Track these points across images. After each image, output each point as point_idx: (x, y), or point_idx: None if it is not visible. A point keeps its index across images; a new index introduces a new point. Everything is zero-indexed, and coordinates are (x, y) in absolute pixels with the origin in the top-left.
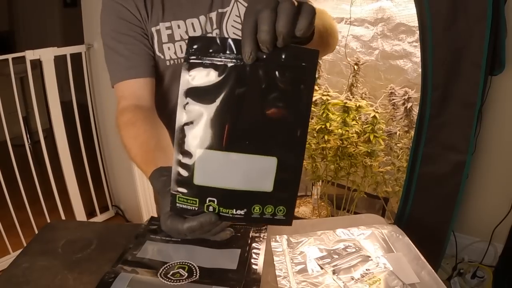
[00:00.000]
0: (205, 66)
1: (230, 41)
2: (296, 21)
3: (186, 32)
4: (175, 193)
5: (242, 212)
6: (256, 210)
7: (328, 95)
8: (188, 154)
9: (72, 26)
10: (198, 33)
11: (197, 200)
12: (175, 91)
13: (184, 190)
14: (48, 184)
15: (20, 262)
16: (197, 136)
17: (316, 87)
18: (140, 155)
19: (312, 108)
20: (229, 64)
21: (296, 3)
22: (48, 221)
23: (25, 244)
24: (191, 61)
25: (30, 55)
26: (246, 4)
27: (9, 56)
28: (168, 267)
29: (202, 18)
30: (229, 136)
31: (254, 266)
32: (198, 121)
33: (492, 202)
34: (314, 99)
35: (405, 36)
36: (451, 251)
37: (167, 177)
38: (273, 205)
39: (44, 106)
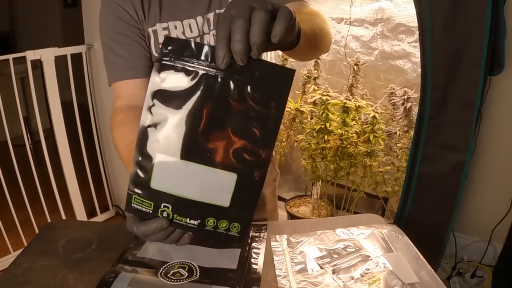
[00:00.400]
0: (176, 69)
1: (205, 47)
2: (271, 28)
3: (183, 32)
4: (131, 193)
5: (195, 222)
6: (210, 223)
7: (328, 95)
8: (148, 157)
9: (72, 27)
10: (195, 34)
11: (152, 203)
12: None
13: (140, 192)
14: (48, 184)
15: (21, 262)
16: (159, 140)
17: (315, 87)
18: (126, 155)
19: (312, 108)
20: (201, 72)
21: (271, 9)
22: (49, 220)
23: (25, 244)
24: (164, 62)
25: (30, 55)
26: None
27: (10, 56)
28: (168, 266)
29: (199, 19)
30: (190, 145)
31: (254, 266)
32: (161, 125)
33: (492, 202)
34: (313, 99)
35: (404, 37)
36: (451, 250)
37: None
38: (228, 220)
39: (45, 106)
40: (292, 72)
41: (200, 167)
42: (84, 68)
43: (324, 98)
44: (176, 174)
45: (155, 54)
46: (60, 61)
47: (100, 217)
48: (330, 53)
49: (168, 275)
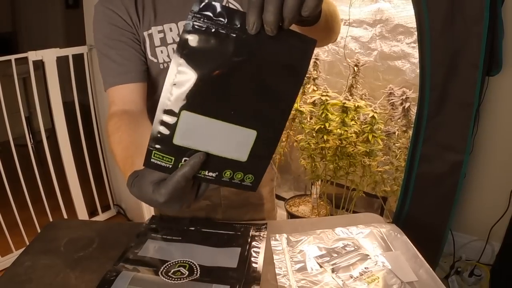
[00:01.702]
0: (207, 30)
1: (238, 13)
2: (303, 1)
3: (178, 34)
4: (152, 149)
5: (213, 174)
6: (227, 174)
7: (327, 95)
8: (172, 113)
9: (74, 27)
10: None
11: (173, 158)
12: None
13: (161, 147)
14: (50, 184)
15: (23, 261)
16: (184, 98)
17: (315, 88)
18: (122, 160)
19: (311, 108)
20: (232, 35)
21: None
22: (51, 220)
23: (27, 243)
24: (196, 22)
25: (32, 56)
26: (237, 5)
27: (12, 57)
28: (169, 265)
29: None
30: (216, 103)
31: (254, 265)
32: (187, 83)
33: (490, 201)
34: (313, 99)
35: (403, 37)
36: (449, 249)
37: (137, 176)
38: (244, 172)
39: (47, 106)
40: (314, 41)
41: (223, 124)
42: (85, 68)
43: (323, 98)
44: (200, 130)
45: (150, 57)
46: (61, 62)
47: (101, 216)
48: (329, 54)
49: (169, 273)
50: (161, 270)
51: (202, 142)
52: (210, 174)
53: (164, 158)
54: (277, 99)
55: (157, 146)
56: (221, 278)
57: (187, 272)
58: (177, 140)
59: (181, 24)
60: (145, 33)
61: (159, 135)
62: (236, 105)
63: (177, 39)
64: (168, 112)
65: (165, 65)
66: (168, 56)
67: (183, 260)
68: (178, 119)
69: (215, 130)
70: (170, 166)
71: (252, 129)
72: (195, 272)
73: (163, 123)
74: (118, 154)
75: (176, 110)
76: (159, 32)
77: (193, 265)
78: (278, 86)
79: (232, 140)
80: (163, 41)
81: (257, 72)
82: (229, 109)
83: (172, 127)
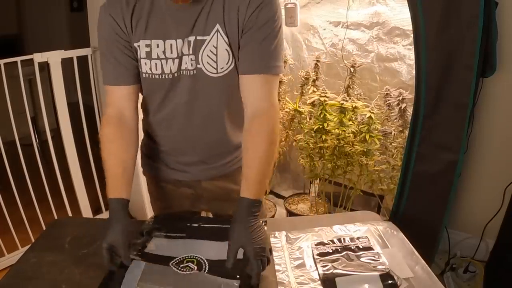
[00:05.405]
0: None
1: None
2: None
3: (164, 52)
4: None
5: None
6: None
7: (325, 96)
8: None
9: (78, 30)
10: (174, 55)
11: None
12: (151, 99)
13: None
14: (55, 182)
15: (29, 258)
16: None
17: (313, 89)
18: (111, 170)
19: (310, 109)
20: None
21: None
22: (56, 217)
23: (33, 240)
24: None
25: (38, 57)
26: (225, 38)
27: (18, 59)
28: (177, 261)
29: (179, 41)
30: None
31: None
32: None
33: (484, 200)
34: (312, 100)
35: (399, 40)
36: (444, 246)
37: (119, 213)
38: None
39: (52, 107)
40: None
41: None
42: (89, 70)
43: (322, 99)
44: None
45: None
46: (66, 63)
47: (105, 214)
48: (327, 56)
49: (179, 268)
50: (171, 263)
51: None
52: None
53: None
54: None
55: None
56: (229, 272)
57: (195, 267)
58: None
59: (168, 43)
60: (135, 44)
61: None
62: None
63: (162, 56)
64: None
65: (147, 75)
66: (150, 69)
67: (190, 256)
68: None
69: None
70: None
71: None
72: (204, 267)
73: None
74: (106, 165)
75: None
76: (147, 46)
77: (200, 260)
78: None
79: None
80: (148, 55)
81: None
82: None
83: None
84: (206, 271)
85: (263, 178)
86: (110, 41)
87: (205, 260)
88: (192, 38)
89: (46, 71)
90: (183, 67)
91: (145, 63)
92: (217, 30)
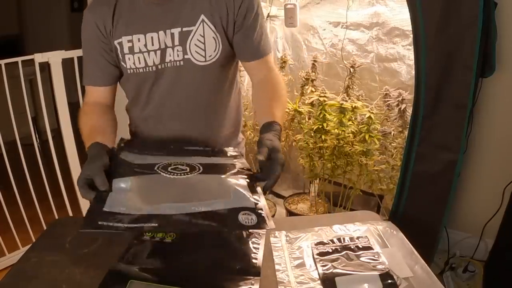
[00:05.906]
0: None
1: None
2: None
3: (145, 45)
4: None
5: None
6: None
7: (325, 96)
8: None
9: (79, 30)
10: (156, 47)
11: None
12: (138, 94)
13: None
14: (56, 182)
15: (29, 257)
16: None
17: (313, 89)
18: (86, 135)
19: (310, 109)
20: None
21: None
22: (56, 217)
23: (34, 240)
24: None
25: (39, 58)
26: (212, 26)
27: (19, 59)
28: (163, 165)
29: (161, 33)
30: None
31: (254, 260)
32: None
33: (483, 199)
34: (311, 100)
35: (399, 40)
36: (444, 246)
37: (94, 150)
38: None
39: (52, 107)
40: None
41: None
42: None
43: (321, 99)
44: None
45: (121, 63)
46: (67, 64)
47: None
48: (327, 56)
49: (168, 169)
50: (156, 166)
51: None
52: None
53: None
54: None
55: None
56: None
57: (187, 168)
58: None
59: (149, 36)
60: (116, 42)
61: None
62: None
63: (143, 49)
64: None
65: (131, 71)
66: (134, 63)
67: (178, 162)
68: None
69: None
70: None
71: None
72: (197, 168)
73: None
74: (84, 132)
75: None
76: (129, 41)
77: (192, 163)
78: None
79: None
80: (131, 50)
81: None
82: None
83: None
84: (202, 171)
85: (276, 104)
86: (90, 44)
87: (198, 164)
88: (176, 30)
89: (46, 71)
90: (167, 59)
91: (129, 58)
92: (203, 20)
